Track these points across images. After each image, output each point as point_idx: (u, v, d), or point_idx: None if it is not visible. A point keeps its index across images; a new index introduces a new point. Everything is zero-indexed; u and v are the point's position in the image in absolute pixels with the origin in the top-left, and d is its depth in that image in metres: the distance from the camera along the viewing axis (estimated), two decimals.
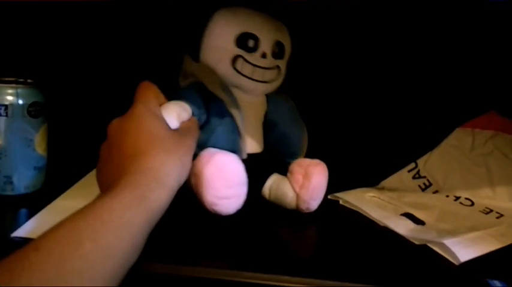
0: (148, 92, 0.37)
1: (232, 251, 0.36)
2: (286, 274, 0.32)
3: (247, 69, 0.43)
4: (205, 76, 0.43)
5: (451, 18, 0.52)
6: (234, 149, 0.42)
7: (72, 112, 0.60)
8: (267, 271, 0.32)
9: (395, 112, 0.60)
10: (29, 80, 0.42)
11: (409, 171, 0.56)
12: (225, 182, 0.38)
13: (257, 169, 0.44)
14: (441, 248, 0.37)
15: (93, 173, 0.49)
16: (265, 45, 0.44)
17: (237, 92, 0.44)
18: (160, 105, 0.37)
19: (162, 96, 0.38)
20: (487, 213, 0.47)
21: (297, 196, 0.43)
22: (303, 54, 0.50)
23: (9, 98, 0.40)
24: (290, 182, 0.43)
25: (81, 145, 0.53)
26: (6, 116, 0.40)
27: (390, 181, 0.56)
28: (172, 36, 0.53)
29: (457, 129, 0.56)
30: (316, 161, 0.44)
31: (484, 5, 0.41)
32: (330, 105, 0.60)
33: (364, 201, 0.49)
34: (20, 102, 0.40)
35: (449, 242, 0.36)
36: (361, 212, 0.46)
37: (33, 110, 0.41)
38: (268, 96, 0.48)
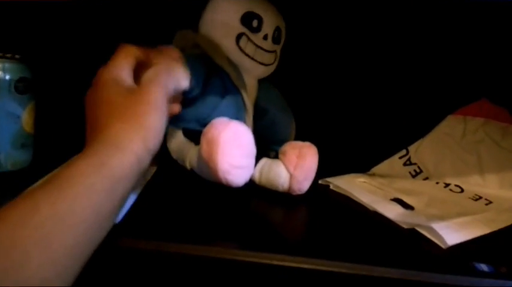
0: (119, 55, 0.34)
1: (224, 231, 0.36)
2: (276, 253, 0.32)
3: (250, 48, 0.43)
4: (212, 49, 0.43)
5: (442, 6, 0.52)
6: None
7: (60, 89, 0.58)
8: (257, 250, 0.32)
9: (387, 99, 0.60)
10: (16, 55, 0.41)
11: (400, 158, 0.56)
12: (241, 150, 0.38)
13: None
14: (429, 232, 0.37)
15: None
16: (268, 27, 0.44)
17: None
18: (145, 60, 0.35)
19: (142, 53, 0.35)
20: (476, 200, 0.48)
21: (291, 176, 0.43)
22: (294, 40, 0.50)
23: None
24: (283, 163, 0.43)
25: (69, 123, 0.52)
26: None
27: (381, 167, 0.56)
28: (165, 12, 0.52)
29: (448, 116, 0.56)
30: (308, 143, 0.44)
31: None
32: (321, 91, 0.59)
33: (355, 186, 0.49)
34: (7, 77, 0.40)
35: (437, 226, 0.37)
36: (351, 196, 0.46)
37: (20, 86, 0.40)
38: (260, 82, 0.48)
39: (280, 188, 0.43)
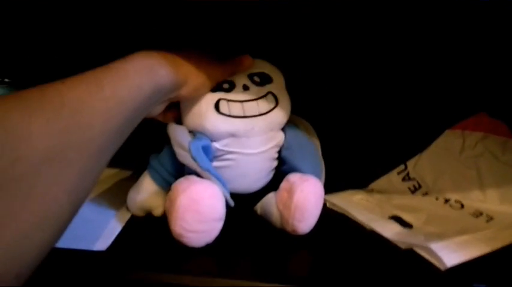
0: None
1: (215, 258, 0.35)
2: (267, 281, 0.31)
3: (235, 108, 0.38)
4: (174, 143, 0.39)
5: (440, 19, 0.51)
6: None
7: None
8: (248, 278, 0.31)
9: (384, 114, 0.59)
10: (6, 80, 0.41)
11: (398, 173, 0.55)
12: (198, 215, 0.35)
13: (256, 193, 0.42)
14: (427, 253, 0.36)
15: None
16: (241, 78, 0.40)
17: (234, 145, 0.39)
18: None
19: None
20: (477, 216, 0.46)
21: (281, 215, 0.39)
22: (292, 56, 0.50)
23: None
24: (275, 199, 0.40)
25: None
26: None
27: (379, 183, 0.55)
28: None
29: (447, 131, 0.55)
30: (307, 176, 0.39)
31: (474, 5, 0.40)
32: (319, 106, 0.59)
33: (352, 203, 0.48)
34: None
35: (435, 246, 0.36)
36: (348, 215, 0.45)
37: None
38: (285, 129, 0.42)
39: (278, 226, 0.40)
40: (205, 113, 0.38)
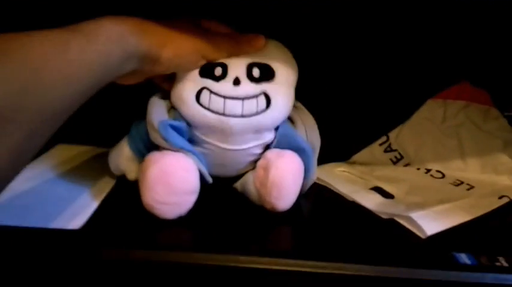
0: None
1: (193, 234, 0.34)
2: (246, 254, 0.30)
3: (215, 103, 0.35)
4: (150, 119, 0.37)
5: None
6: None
7: None
8: (228, 252, 0.31)
9: (366, 85, 0.58)
10: None
11: (380, 144, 0.55)
12: (168, 188, 0.34)
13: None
14: (408, 222, 0.36)
15: (53, 150, 0.47)
16: (237, 68, 0.35)
17: (213, 137, 0.37)
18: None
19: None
20: (458, 185, 0.47)
21: (258, 193, 0.38)
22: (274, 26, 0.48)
23: None
24: (253, 177, 0.38)
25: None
26: None
27: (362, 155, 0.54)
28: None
29: (428, 100, 0.55)
30: (284, 151, 0.37)
31: None
32: (299, 78, 0.58)
33: (334, 176, 0.47)
34: None
35: (416, 215, 0.35)
36: (330, 187, 0.45)
37: None
38: (280, 126, 0.39)
39: (258, 204, 0.38)
40: (185, 98, 0.36)
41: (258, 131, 0.37)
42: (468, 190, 0.45)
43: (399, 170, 0.51)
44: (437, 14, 0.53)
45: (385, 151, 0.54)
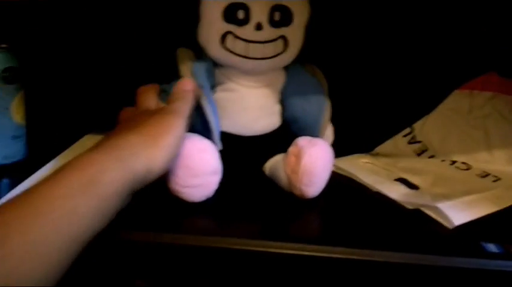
0: (141, 94, 0.38)
1: (219, 219, 0.35)
2: (275, 240, 0.31)
3: (239, 46, 0.38)
4: (179, 62, 0.40)
5: None
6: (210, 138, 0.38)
7: (51, 77, 0.57)
8: (255, 237, 0.31)
9: (391, 76, 0.57)
10: (2, 45, 0.40)
11: (404, 136, 0.54)
12: (187, 171, 0.34)
13: (263, 148, 0.42)
14: (435, 212, 0.36)
15: (82, 140, 0.49)
16: (260, 13, 0.37)
17: (236, 75, 0.40)
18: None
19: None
20: (484, 177, 0.46)
21: (288, 179, 0.39)
22: None
23: None
24: (283, 162, 0.39)
25: (64, 113, 0.51)
26: None
27: (385, 147, 0.54)
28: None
29: (455, 91, 0.54)
30: (316, 140, 0.39)
31: None
32: (323, 70, 0.58)
33: (358, 167, 0.47)
34: None
35: (442, 205, 0.35)
36: (354, 178, 0.45)
37: (7, 76, 0.39)
38: (288, 69, 0.43)
39: (286, 189, 0.39)
40: (211, 41, 0.39)
41: (275, 69, 0.42)
42: (494, 181, 0.45)
43: (423, 162, 0.51)
44: (465, 3, 0.53)
45: (409, 142, 0.54)
